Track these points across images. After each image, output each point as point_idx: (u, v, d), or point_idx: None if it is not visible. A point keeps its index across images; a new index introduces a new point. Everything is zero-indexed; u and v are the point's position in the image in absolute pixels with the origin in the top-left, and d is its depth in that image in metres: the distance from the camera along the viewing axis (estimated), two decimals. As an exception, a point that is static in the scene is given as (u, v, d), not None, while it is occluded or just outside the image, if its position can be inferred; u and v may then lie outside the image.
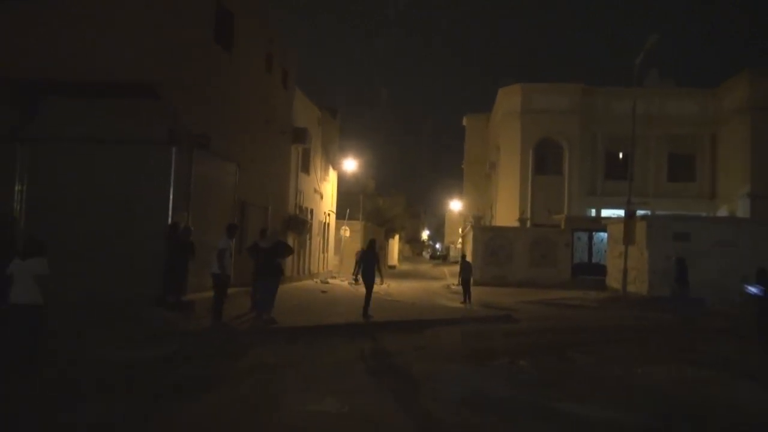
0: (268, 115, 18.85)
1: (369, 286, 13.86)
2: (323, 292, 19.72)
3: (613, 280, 23.63)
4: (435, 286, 27.56)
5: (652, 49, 19.24)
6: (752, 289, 15.76)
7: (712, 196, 32.33)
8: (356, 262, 15.45)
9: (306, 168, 24.34)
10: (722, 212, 30.67)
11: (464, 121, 54.18)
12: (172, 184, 12.61)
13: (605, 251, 26.35)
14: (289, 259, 22.04)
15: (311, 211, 25.17)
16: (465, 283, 18.74)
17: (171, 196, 12.57)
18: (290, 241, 21.77)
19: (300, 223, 22.15)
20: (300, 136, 21.75)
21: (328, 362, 8.57)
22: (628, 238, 20.59)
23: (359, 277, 13.93)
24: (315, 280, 24.83)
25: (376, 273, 13.80)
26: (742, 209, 29.07)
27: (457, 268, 22.80)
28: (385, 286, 25.89)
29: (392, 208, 52.74)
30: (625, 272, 20.58)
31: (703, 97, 32.98)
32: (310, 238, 25.04)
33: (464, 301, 18.33)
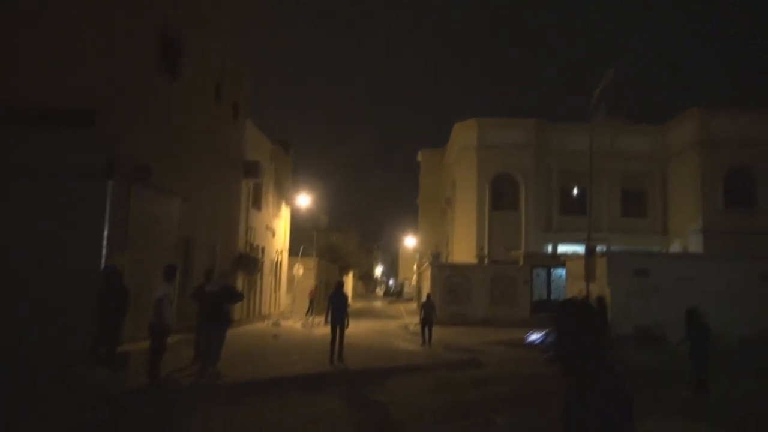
0: (217, 147, 17.84)
1: (341, 329, 13.06)
2: (275, 336, 18.47)
3: None
4: (392, 326, 26.50)
5: (609, 83, 19.21)
6: (532, 337, 15.37)
7: (665, 231, 32.73)
8: (327, 307, 14.51)
9: (257, 204, 23.30)
10: (675, 247, 31.00)
11: (419, 157, 54.14)
12: (107, 221, 11.43)
13: (564, 288, 26.02)
14: (236, 307, 20.80)
15: (263, 248, 24.06)
16: (427, 323, 17.85)
17: (105, 235, 11.38)
18: (240, 282, 20.58)
19: (251, 261, 20.98)
20: (251, 169, 20.79)
21: (278, 428, 7.52)
22: (590, 275, 20.18)
23: (328, 319, 13.29)
24: (266, 322, 23.53)
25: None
26: (694, 244, 29.43)
27: (413, 306, 22.07)
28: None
29: (346, 244, 51.85)
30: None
31: (654, 134, 33.66)
32: (262, 278, 23.89)
33: (423, 343, 17.41)
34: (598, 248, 22.18)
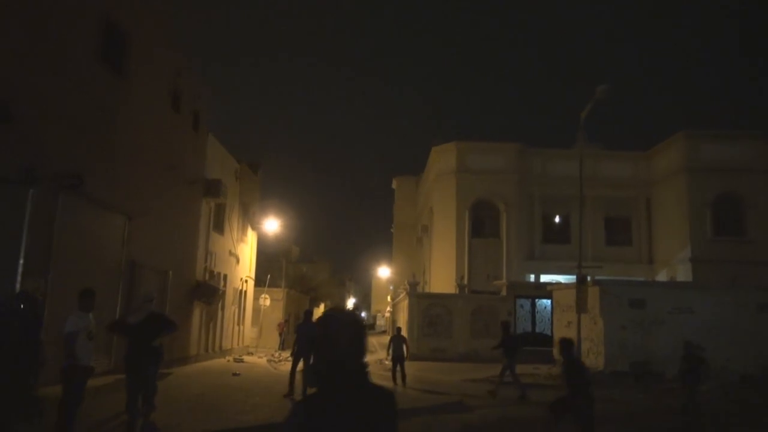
0: (172, 160, 16.00)
1: (304, 361, 11.76)
2: (236, 374, 16.47)
3: None
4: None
5: (602, 100, 18.02)
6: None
7: (650, 260, 31.65)
8: (295, 341, 13.10)
9: (220, 227, 21.43)
10: (661, 277, 29.88)
11: (393, 184, 53.00)
12: (24, 237, 9.47)
13: (549, 320, 24.59)
14: (195, 334, 18.74)
15: (225, 276, 22.11)
16: (398, 361, 15.99)
17: (23, 254, 9.41)
18: (197, 313, 18.55)
19: (210, 290, 19.01)
20: (213, 188, 19.00)
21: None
22: (581, 306, 18.72)
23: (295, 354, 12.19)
24: (228, 358, 21.58)
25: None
26: (683, 274, 28.31)
27: (387, 339, 20.19)
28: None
29: (317, 275, 50.14)
30: (579, 344, 18.54)
31: (638, 160, 32.88)
32: (223, 308, 21.85)
33: (395, 384, 15.50)
34: (588, 277, 20.78)
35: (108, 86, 12.33)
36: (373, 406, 2.14)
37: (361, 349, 2.20)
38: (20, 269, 9.36)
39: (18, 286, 9.16)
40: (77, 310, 7.28)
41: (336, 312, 2.30)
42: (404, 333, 25.06)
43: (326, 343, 2.18)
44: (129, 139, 13.27)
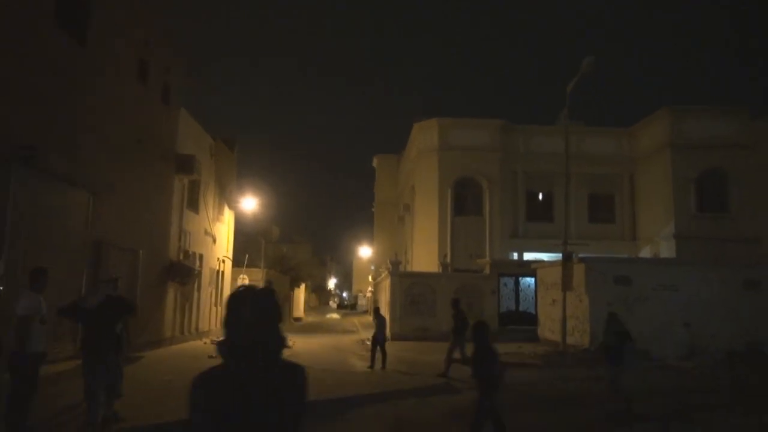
0: (141, 135, 15.22)
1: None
2: (211, 356, 15.85)
3: (547, 330, 21.51)
4: (347, 341, 24.28)
5: (589, 72, 17.53)
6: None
7: (634, 237, 31.56)
8: None
9: (194, 205, 20.73)
10: (645, 254, 29.81)
11: (374, 162, 52.34)
12: (-26, 213, 8.75)
13: (533, 298, 24.42)
14: (170, 316, 18.13)
15: (200, 256, 21.47)
16: (378, 344, 15.54)
17: (-28, 232, 8.69)
18: (172, 294, 17.92)
19: (185, 270, 18.41)
20: (185, 164, 18.27)
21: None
22: (567, 283, 18.43)
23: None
24: (204, 340, 20.97)
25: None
26: (666, 250, 28.25)
27: (369, 319, 19.94)
28: (290, 343, 22.55)
29: (297, 255, 49.62)
30: (564, 322, 18.33)
31: (621, 136, 32.64)
32: (199, 289, 21.30)
33: (372, 366, 15.04)
34: (574, 255, 20.50)
35: (67, 54, 11.51)
36: (279, 381, 2.16)
37: (271, 324, 2.18)
38: (-30, 249, 8.66)
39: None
40: (28, 291, 6.65)
41: (246, 288, 2.27)
42: (385, 312, 24.65)
43: (233, 318, 2.16)
44: (91, 111, 12.50)
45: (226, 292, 26.20)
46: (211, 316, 23.25)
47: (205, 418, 2.09)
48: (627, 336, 8.72)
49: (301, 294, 57.90)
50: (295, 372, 2.26)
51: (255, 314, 2.16)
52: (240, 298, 2.22)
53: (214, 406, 2.10)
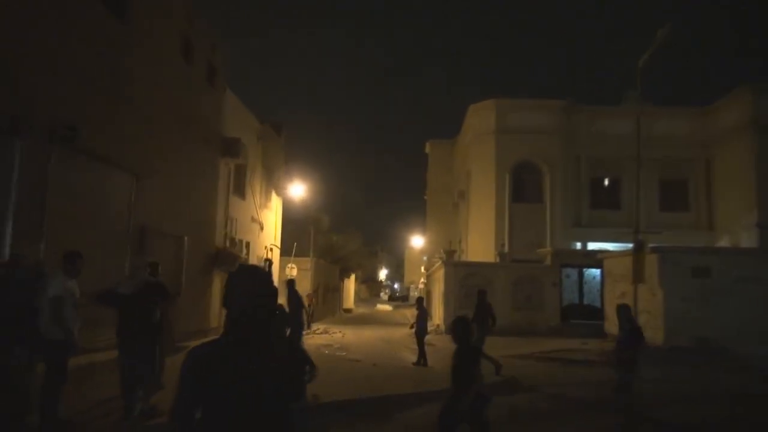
0: (186, 117, 15.14)
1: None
2: None
3: (614, 325, 20.34)
4: (398, 334, 23.90)
5: (663, 43, 16.40)
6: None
7: (710, 226, 29.92)
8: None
9: (240, 190, 20.76)
10: (723, 244, 28.17)
11: (427, 148, 51.69)
12: (13, 195, 8.66)
13: (599, 291, 23.51)
14: (215, 306, 18.11)
15: (247, 244, 21.55)
16: (417, 338, 15.03)
17: (11, 215, 8.61)
18: (218, 282, 17.90)
19: (231, 258, 18.30)
20: (232, 147, 18.24)
21: None
22: (638, 275, 17.47)
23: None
24: None
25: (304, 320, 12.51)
26: (747, 241, 26.59)
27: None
28: (340, 335, 22.35)
29: (347, 245, 49.55)
30: (635, 316, 17.37)
31: (695, 117, 30.94)
32: None
33: (418, 362, 14.55)
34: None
35: (110, 31, 11.36)
36: (272, 359, 2.31)
37: (263, 301, 2.33)
38: (9, 232, 8.58)
39: (8, 249, 8.40)
40: (61, 274, 6.43)
41: (241, 265, 2.49)
42: (438, 305, 24.04)
43: (228, 293, 2.35)
44: (135, 91, 12.38)
45: (275, 281, 26.29)
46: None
47: (192, 389, 2.25)
48: (638, 334, 7.70)
49: (351, 285, 58.18)
50: (293, 356, 2.43)
51: (246, 289, 2.32)
52: (235, 274, 2.39)
53: (201, 376, 2.24)
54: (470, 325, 5.83)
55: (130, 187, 12.17)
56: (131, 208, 12.25)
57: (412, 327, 15.88)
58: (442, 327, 23.23)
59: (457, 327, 5.73)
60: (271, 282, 2.39)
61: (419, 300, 16.76)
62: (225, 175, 18.75)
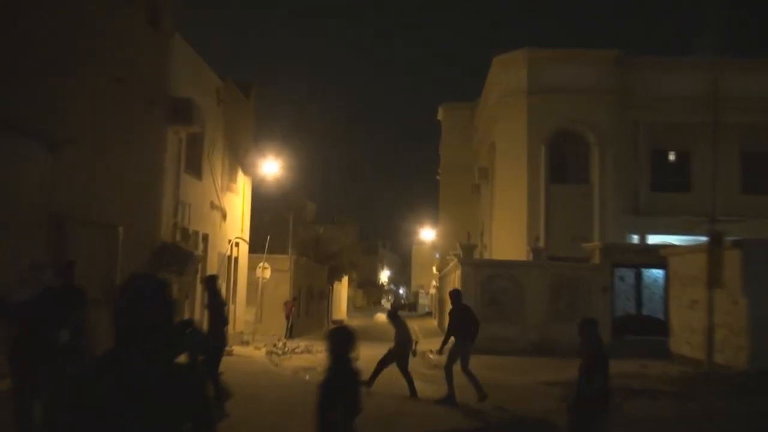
0: (119, 69, 14.84)
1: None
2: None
3: (683, 343, 20.38)
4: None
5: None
6: None
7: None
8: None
9: (196, 168, 20.68)
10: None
11: (439, 114, 51.65)
12: None
13: (662, 298, 23.42)
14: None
15: (205, 237, 21.51)
16: (392, 361, 14.73)
17: None
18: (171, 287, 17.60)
19: (182, 255, 18.27)
20: (182, 111, 18.06)
21: None
22: (714, 277, 17.29)
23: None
24: None
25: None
26: None
27: (433, 323, 18.53)
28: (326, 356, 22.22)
29: (339, 239, 49.65)
30: (710, 333, 17.24)
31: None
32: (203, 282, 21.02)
33: (413, 394, 14.25)
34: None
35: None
36: (152, 378, 2.50)
37: (157, 318, 2.59)
38: None
39: None
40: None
41: (136, 277, 2.75)
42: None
43: (119, 310, 2.60)
44: (48, 36, 12.01)
45: (242, 285, 26.25)
46: None
47: (67, 408, 2.55)
48: (602, 362, 7.25)
49: (343, 290, 58.16)
50: (180, 375, 2.62)
51: (124, 301, 2.56)
52: (122, 285, 2.68)
53: (75, 399, 2.49)
54: (353, 339, 5.61)
55: (43, 162, 11.79)
56: (45, 189, 11.89)
57: (415, 346, 15.33)
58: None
59: (333, 339, 5.61)
60: (158, 295, 2.61)
61: (392, 312, 15.93)
62: (174, 147, 18.61)
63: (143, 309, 2.53)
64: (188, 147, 19.69)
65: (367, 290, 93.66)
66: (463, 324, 13.92)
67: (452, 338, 14.18)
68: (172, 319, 2.65)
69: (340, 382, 5.33)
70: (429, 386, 15.37)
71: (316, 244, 44.80)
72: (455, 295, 14.77)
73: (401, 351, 14.56)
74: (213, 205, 22.27)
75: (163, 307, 2.60)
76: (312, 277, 39.47)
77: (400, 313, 17.28)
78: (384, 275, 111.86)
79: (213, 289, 12.65)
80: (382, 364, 14.53)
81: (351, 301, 71.78)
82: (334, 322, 47.65)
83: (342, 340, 5.55)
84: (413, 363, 20.49)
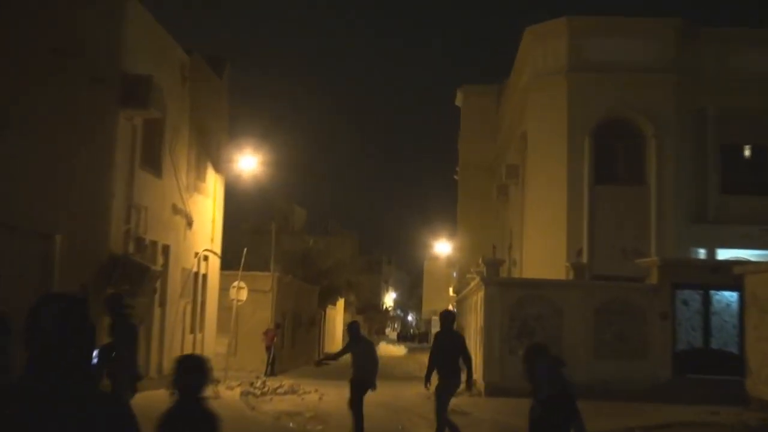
0: (56, 38, 15.04)
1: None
2: None
3: (763, 384, 20.16)
4: (409, 395, 23.59)
5: None
6: None
7: None
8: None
9: (154, 162, 20.94)
10: None
11: (458, 99, 51.82)
12: None
13: (735, 327, 23.31)
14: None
15: (165, 248, 21.70)
16: (355, 395, 14.62)
17: None
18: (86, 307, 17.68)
19: (136, 271, 18.41)
20: (138, 91, 18.29)
21: None
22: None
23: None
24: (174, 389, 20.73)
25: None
26: None
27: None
28: (315, 397, 22.68)
29: (333, 253, 49.88)
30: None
31: None
32: (163, 303, 21.52)
33: None
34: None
35: None
36: (71, 412, 2.69)
37: (72, 341, 2.78)
38: None
39: None
40: None
41: (47, 294, 3.42)
42: (476, 346, 23.74)
43: (26, 329, 2.82)
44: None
45: (212, 308, 26.33)
46: (184, 347, 23.33)
47: None
48: (571, 405, 6.65)
49: (338, 316, 58.16)
50: (108, 406, 2.87)
51: (41, 326, 2.77)
52: (34, 306, 2.85)
53: None
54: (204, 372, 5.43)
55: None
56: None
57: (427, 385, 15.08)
58: (481, 384, 22.99)
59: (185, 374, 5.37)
60: (79, 318, 2.81)
61: (352, 327, 15.86)
62: (127, 136, 18.83)
63: (57, 332, 2.72)
64: (145, 137, 19.85)
65: (369, 316, 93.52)
66: (450, 355, 13.67)
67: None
68: (92, 342, 2.85)
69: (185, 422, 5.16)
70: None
71: (305, 259, 45.00)
72: (447, 317, 14.75)
73: (358, 379, 14.44)
74: (176, 209, 22.39)
75: (80, 329, 2.79)
76: (299, 299, 39.37)
77: (411, 344, 17.02)
78: (389, 298, 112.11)
79: (120, 312, 12.41)
80: (354, 405, 14.39)
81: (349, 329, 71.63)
82: (328, 358, 47.46)
83: (189, 369, 5.30)
84: (419, 406, 20.45)
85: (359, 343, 15.02)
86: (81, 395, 2.71)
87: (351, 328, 15.82)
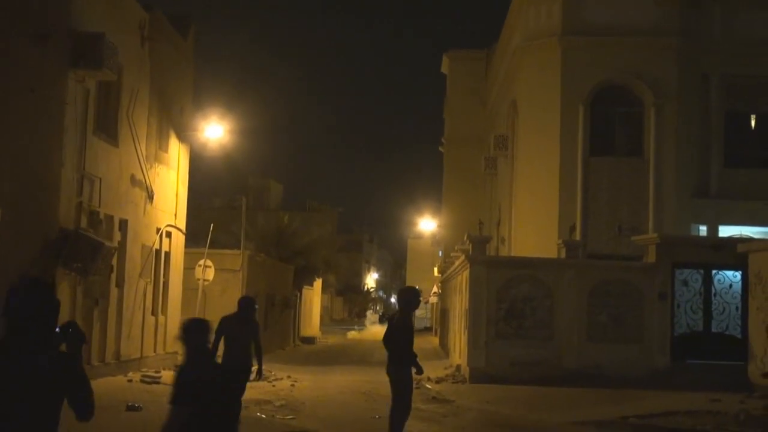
0: None
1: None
2: (134, 407, 15.82)
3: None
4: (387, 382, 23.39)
5: None
6: None
7: None
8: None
9: (110, 129, 20.78)
10: None
11: (444, 65, 51.85)
12: None
13: (738, 308, 23.26)
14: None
15: (123, 223, 21.54)
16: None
17: None
18: (66, 290, 18.07)
19: (88, 247, 18.19)
20: (89, 50, 18.02)
21: None
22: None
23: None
24: (130, 375, 21.23)
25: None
26: None
27: (434, 341, 18.12)
28: (288, 385, 22.72)
29: (311, 231, 49.71)
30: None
31: None
32: (121, 283, 21.39)
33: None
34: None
35: None
36: (43, 370, 3.75)
37: (37, 316, 3.82)
38: None
39: None
40: None
41: (21, 281, 4.06)
42: (460, 329, 23.55)
43: (9, 309, 3.79)
44: None
45: (176, 289, 26.35)
46: (145, 332, 23.38)
47: None
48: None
49: (315, 297, 58.02)
50: (63, 360, 3.92)
51: (15, 302, 3.78)
52: (9, 289, 3.85)
53: None
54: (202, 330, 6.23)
55: None
56: None
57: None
58: (465, 370, 23.09)
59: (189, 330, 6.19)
60: (41, 298, 3.88)
61: (244, 302, 13.69)
62: (79, 100, 18.66)
63: (32, 310, 3.75)
64: (99, 101, 19.82)
65: (349, 298, 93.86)
66: (401, 342, 12.49)
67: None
68: (55, 319, 3.88)
69: (198, 377, 5.72)
70: (428, 427, 15.26)
71: (280, 236, 44.93)
72: (409, 295, 13.87)
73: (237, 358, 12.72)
74: (135, 181, 22.26)
75: (48, 309, 3.85)
76: (273, 279, 39.18)
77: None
78: (371, 278, 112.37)
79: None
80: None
81: (327, 311, 71.63)
82: (304, 339, 47.47)
83: (197, 329, 6.13)
84: (420, 397, 20.16)
85: (246, 326, 13.18)
86: (49, 353, 3.77)
87: (243, 307, 13.51)
